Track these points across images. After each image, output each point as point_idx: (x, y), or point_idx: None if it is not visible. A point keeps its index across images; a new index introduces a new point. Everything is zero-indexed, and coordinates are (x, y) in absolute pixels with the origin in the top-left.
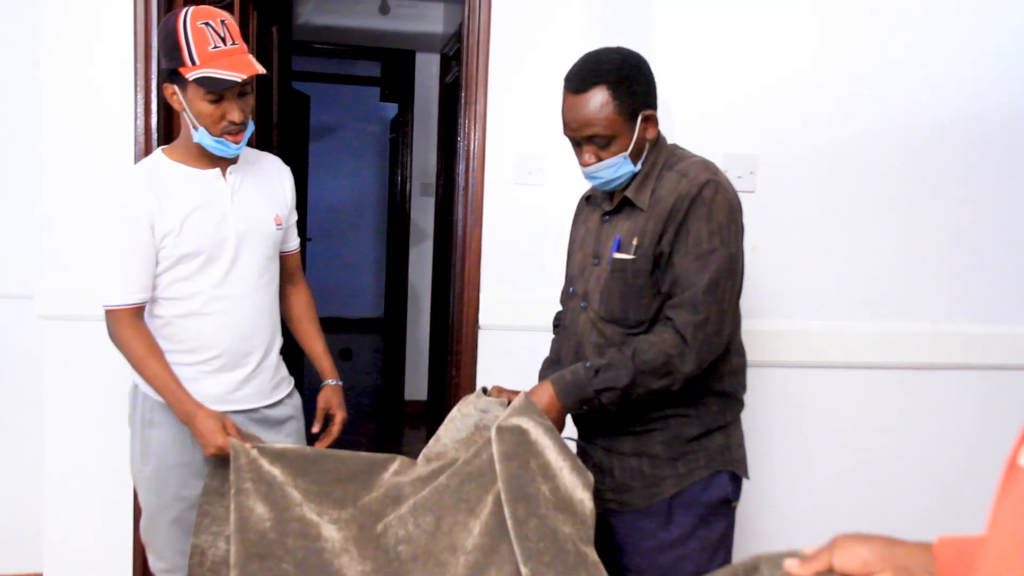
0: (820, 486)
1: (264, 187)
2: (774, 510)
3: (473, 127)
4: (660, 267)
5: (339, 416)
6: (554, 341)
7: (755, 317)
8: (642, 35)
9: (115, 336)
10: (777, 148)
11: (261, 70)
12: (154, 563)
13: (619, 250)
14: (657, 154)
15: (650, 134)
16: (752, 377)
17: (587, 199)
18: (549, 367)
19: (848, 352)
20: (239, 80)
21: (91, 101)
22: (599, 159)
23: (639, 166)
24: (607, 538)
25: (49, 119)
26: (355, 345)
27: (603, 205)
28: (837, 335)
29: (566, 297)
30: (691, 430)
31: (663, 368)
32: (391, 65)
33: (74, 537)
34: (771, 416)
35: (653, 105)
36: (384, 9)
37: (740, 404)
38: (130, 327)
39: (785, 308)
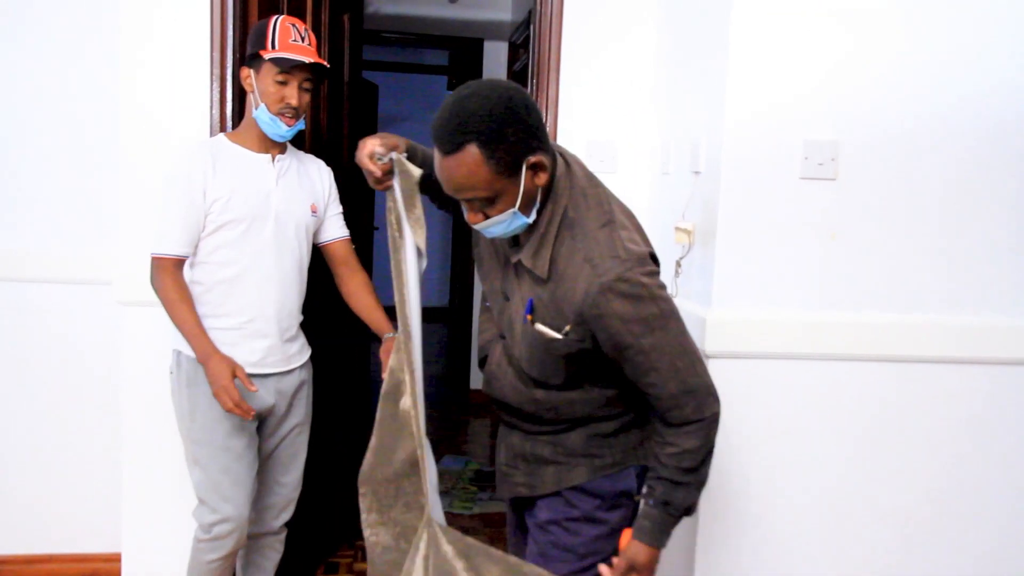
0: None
1: (305, 181)
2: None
3: (544, 114)
4: (585, 350)
5: None
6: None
7: (834, 309)
8: (719, 22)
9: (155, 281)
10: (858, 134)
11: (325, 63)
12: (207, 516)
13: (533, 314)
14: (553, 203)
15: (540, 180)
16: (833, 371)
17: None
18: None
19: (930, 346)
20: (306, 61)
21: (167, 91)
22: (487, 216)
23: (533, 216)
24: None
25: (126, 107)
26: (421, 333)
27: (507, 246)
28: (918, 328)
29: (483, 308)
30: (609, 427)
31: (707, 448)
32: (459, 53)
33: (151, 518)
34: (871, 413)
35: (537, 148)
36: None
37: None
38: (171, 276)
39: (862, 299)
